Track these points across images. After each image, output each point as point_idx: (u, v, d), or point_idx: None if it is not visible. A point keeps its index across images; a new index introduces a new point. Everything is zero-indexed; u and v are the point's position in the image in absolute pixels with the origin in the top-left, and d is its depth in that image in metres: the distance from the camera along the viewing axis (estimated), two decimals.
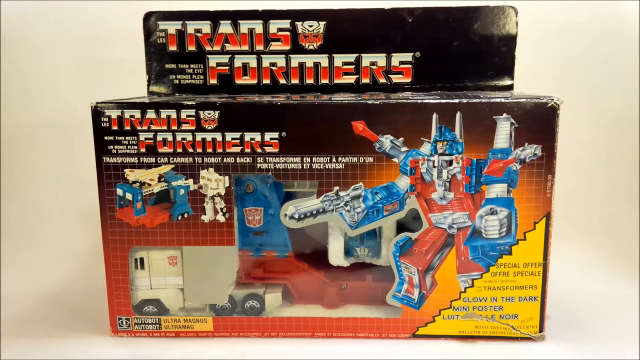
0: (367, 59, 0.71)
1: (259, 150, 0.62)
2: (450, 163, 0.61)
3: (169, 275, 0.66)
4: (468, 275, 0.63)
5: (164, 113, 0.62)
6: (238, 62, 0.72)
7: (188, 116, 0.61)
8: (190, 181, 0.63)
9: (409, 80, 0.71)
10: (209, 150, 0.62)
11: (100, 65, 1.00)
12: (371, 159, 0.61)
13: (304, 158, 0.62)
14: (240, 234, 0.67)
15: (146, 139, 0.62)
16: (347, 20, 0.70)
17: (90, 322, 0.70)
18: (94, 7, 0.99)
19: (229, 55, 0.72)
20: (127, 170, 0.63)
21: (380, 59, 0.71)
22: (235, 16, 0.71)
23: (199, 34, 0.71)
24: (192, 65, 0.72)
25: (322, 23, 0.70)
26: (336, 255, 0.68)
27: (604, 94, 0.98)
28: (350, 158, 0.61)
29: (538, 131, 0.60)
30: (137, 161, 0.62)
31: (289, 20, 0.71)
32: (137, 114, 0.62)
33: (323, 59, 0.71)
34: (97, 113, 0.62)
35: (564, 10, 0.97)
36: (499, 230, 0.62)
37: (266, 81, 0.72)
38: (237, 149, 0.62)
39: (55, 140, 1.02)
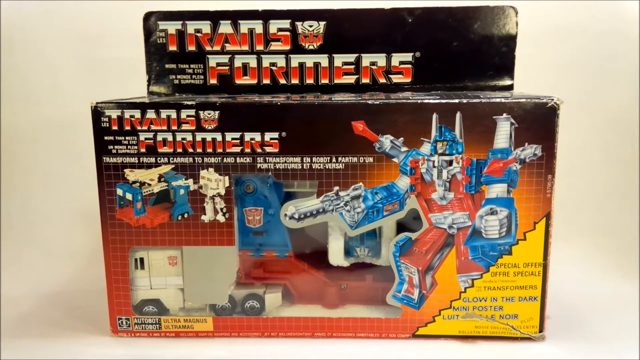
0: (367, 59, 0.71)
1: (259, 150, 0.62)
2: (450, 163, 0.61)
3: (169, 275, 0.66)
4: (468, 275, 0.63)
5: (164, 113, 0.62)
6: (238, 62, 0.72)
7: (188, 116, 0.61)
8: (190, 181, 0.63)
9: (409, 80, 0.71)
10: (209, 150, 0.62)
11: (100, 65, 1.00)
12: (371, 159, 0.61)
13: (304, 158, 0.62)
14: (240, 234, 0.67)
15: (146, 139, 0.62)
16: (347, 20, 0.70)
17: (90, 322, 0.70)
18: (94, 7, 0.99)
19: (229, 55, 0.72)
20: (127, 170, 0.63)
21: (380, 59, 0.71)
22: (235, 16, 0.71)
23: (199, 34, 0.71)
24: (192, 65, 0.72)
25: (322, 23, 0.70)
26: (336, 255, 0.68)
27: (604, 94, 0.98)
28: (350, 158, 0.61)
29: (538, 131, 0.60)
30: (137, 161, 0.62)
31: (289, 20, 0.70)
32: (137, 114, 0.62)
33: (323, 59, 0.71)
34: (97, 113, 0.62)
35: (564, 10, 0.97)
36: (499, 230, 0.62)
37: (266, 81, 0.72)
38: (237, 149, 0.62)
39: (55, 140, 1.01)
